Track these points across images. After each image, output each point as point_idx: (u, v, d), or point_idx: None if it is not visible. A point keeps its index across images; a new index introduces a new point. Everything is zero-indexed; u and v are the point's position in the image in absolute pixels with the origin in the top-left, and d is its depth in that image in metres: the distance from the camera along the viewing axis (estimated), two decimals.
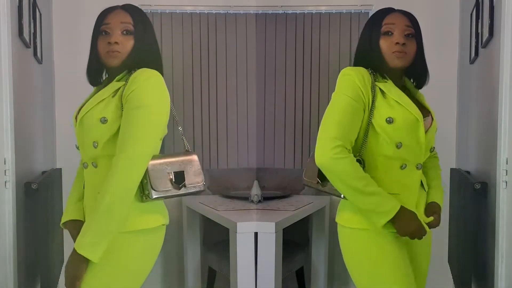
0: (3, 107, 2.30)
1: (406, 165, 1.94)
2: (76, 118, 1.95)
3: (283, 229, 2.92)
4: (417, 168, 1.97)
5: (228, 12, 3.66)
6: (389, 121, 1.89)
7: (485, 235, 2.57)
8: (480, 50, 2.85)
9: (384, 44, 1.95)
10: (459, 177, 2.95)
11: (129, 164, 1.76)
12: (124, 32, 1.91)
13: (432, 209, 2.04)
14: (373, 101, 1.90)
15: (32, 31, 2.84)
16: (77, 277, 1.75)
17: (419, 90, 2.08)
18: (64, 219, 2.00)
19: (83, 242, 1.74)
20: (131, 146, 1.76)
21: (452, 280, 3.03)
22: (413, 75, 2.05)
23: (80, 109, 1.96)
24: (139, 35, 1.92)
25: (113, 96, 1.87)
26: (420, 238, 1.91)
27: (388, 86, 1.94)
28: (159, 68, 1.95)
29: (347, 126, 1.87)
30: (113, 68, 1.93)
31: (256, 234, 2.80)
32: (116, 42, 1.88)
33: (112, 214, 1.74)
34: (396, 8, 2.01)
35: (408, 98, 1.94)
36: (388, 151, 1.92)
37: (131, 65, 1.92)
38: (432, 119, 2.03)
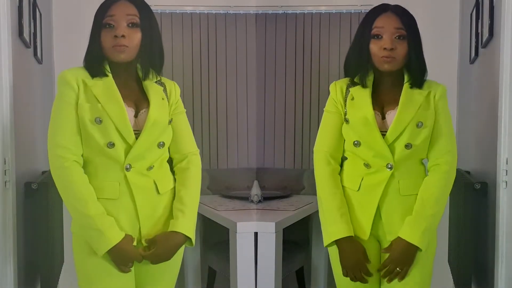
0: (3, 107, 2.29)
1: (369, 164, 1.96)
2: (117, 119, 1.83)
3: (283, 229, 2.91)
4: (387, 168, 1.94)
5: (228, 12, 3.66)
6: (347, 121, 1.99)
7: (485, 235, 2.57)
8: (480, 50, 2.85)
9: (374, 47, 1.93)
10: (459, 177, 2.95)
11: (199, 162, 2.05)
12: (130, 24, 1.81)
13: (392, 245, 1.94)
14: (345, 106, 2.01)
15: (32, 31, 2.84)
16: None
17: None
18: (116, 240, 1.79)
19: (191, 227, 1.92)
20: (194, 145, 2.06)
21: (452, 280, 3.03)
22: (408, 74, 1.98)
23: (89, 113, 1.84)
24: (146, 28, 1.84)
25: (163, 99, 1.93)
26: (359, 279, 1.92)
27: (358, 90, 1.99)
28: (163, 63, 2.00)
29: (326, 135, 2.05)
30: (120, 63, 1.85)
31: (256, 234, 2.80)
32: (123, 36, 1.79)
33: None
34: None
35: (368, 97, 1.95)
36: (350, 148, 2.01)
37: (143, 61, 1.89)
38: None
